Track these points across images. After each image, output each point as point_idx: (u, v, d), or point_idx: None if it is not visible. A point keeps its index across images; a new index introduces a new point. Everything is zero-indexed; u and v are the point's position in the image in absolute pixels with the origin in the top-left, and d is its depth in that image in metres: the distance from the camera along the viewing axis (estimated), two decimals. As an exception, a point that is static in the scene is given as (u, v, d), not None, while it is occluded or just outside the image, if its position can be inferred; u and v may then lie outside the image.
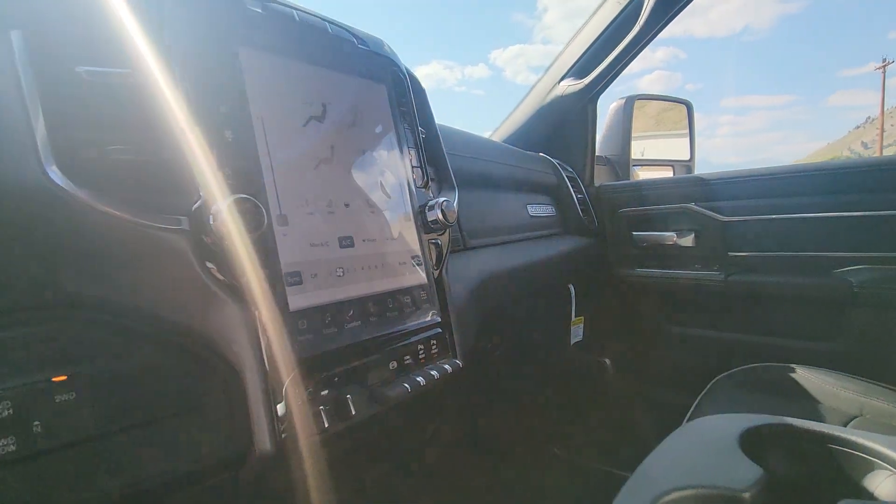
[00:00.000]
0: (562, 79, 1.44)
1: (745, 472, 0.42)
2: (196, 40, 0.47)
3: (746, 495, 0.39)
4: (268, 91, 0.52)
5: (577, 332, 1.37)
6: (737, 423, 0.52)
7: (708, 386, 1.00)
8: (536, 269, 1.12)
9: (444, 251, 0.71)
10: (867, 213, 1.10)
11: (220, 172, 0.46)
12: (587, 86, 1.38)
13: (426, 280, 0.66)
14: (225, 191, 0.45)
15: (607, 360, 1.47)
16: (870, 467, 0.46)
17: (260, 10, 0.53)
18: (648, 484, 0.43)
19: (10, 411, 0.33)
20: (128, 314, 0.42)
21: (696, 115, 1.82)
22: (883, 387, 0.87)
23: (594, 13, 1.36)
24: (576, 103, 1.45)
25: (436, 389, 0.59)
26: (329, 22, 0.62)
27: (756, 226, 1.23)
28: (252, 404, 0.44)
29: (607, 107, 1.79)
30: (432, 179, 0.79)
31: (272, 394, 0.45)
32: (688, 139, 1.82)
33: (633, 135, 1.68)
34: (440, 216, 0.67)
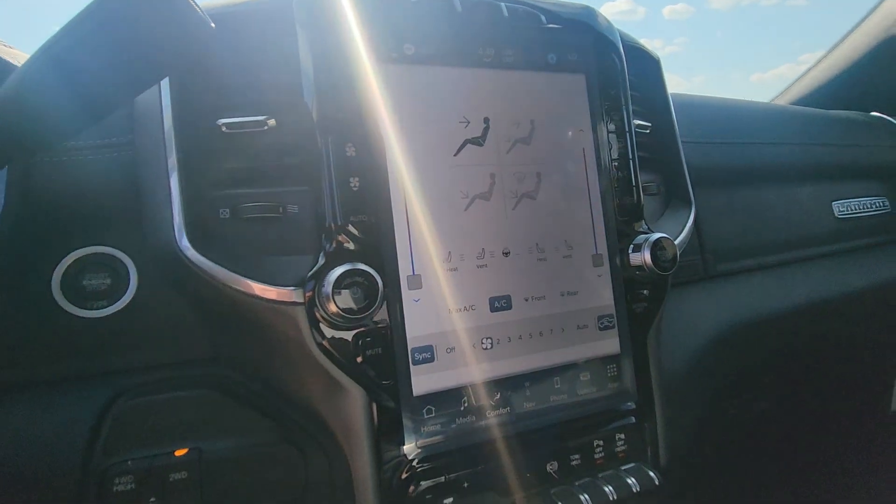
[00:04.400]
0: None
1: None
2: (332, 68, 0.40)
3: None
4: (413, 116, 0.42)
5: (906, 393, 0.90)
6: None
7: None
8: (841, 304, 0.75)
9: (658, 306, 0.50)
10: None
11: (345, 231, 0.39)
12: None
13: (619, 348, 0.48)
14: (346, 254, 0.39)
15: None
16: None
17: (410, 13, 0.43)
18: None
19: (133, 486, 0.35)
20: (251, 386, 0.41)
21: None
22: None
23: None
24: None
25: None
26: (504, 0, 0.47)
27: None
28: None
29: None
30: (653, 193, 0.57)
31: (383, 495, 0.39)
32: None
33: None
34: (646, 260, 0.47)
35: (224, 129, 0.40)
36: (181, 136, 0.39)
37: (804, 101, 1.12)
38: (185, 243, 0.37)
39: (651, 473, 0.45)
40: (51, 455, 0.35)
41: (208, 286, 0.38)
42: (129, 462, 0.36)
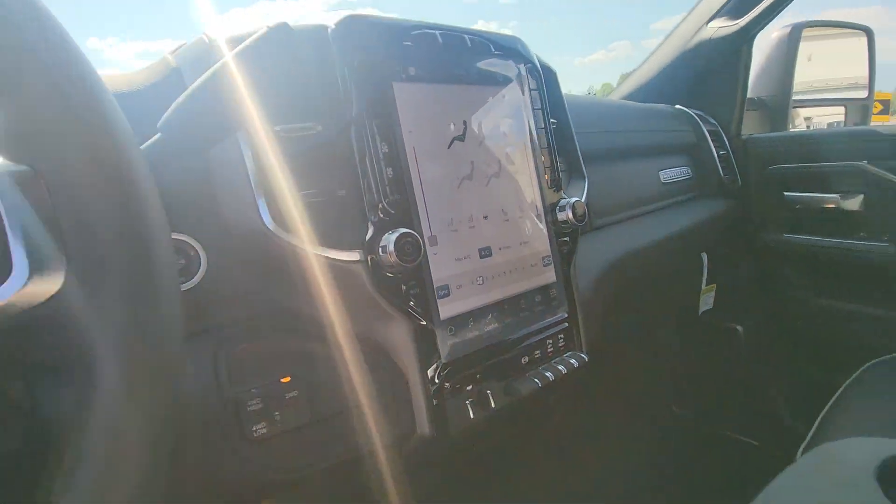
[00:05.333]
0: (710, 20, 1.28)
1: None
2: (362, 85, 0.54)
3: None
4: (418, 121, 0.58)
5: (707, 300, 1.32)
6: (877, 449, 0.50)
7: (857, 373, 0.94)
8: (668, 242, 1.09)
9: (574, 248, 0.74)
10: None
11: (383, 207, 0.54)
12: (744, 28, 1.21)
13: (555, 278, 0.70)
14: (387, 223, 0.53)
15: (738, 328, 1.41)
16: None
17: (410, 44, 0.58)
18: None
19: (261, 405, 0.47)
20: (326, 325, 0.54)
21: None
22: None
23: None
24: (727, 46, 1.29)
25: (565, 382, 0.66)
26: (467, 34, 0.64)
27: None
28: (414, 398, 0.55)
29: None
30: (562, 171, 0.80)
31: (429, 389, 0.56)
32: (866, 74, 1.52)
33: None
34: (570, 216, 0.70)
35: (281, 133, 0.52)
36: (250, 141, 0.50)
37: (632, 96, 1.49)
38: (273, 224, 0.49)
39: (582, 355, 0.69)
40: (193, 392, 0.45)
41: (290, 256, 0.50)
42: (253, 389, 0.47)
